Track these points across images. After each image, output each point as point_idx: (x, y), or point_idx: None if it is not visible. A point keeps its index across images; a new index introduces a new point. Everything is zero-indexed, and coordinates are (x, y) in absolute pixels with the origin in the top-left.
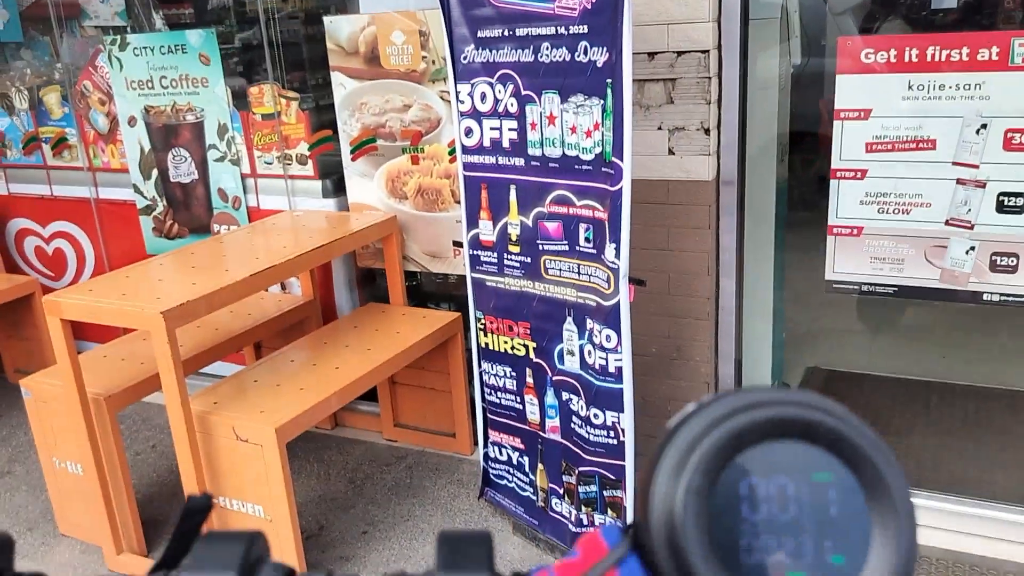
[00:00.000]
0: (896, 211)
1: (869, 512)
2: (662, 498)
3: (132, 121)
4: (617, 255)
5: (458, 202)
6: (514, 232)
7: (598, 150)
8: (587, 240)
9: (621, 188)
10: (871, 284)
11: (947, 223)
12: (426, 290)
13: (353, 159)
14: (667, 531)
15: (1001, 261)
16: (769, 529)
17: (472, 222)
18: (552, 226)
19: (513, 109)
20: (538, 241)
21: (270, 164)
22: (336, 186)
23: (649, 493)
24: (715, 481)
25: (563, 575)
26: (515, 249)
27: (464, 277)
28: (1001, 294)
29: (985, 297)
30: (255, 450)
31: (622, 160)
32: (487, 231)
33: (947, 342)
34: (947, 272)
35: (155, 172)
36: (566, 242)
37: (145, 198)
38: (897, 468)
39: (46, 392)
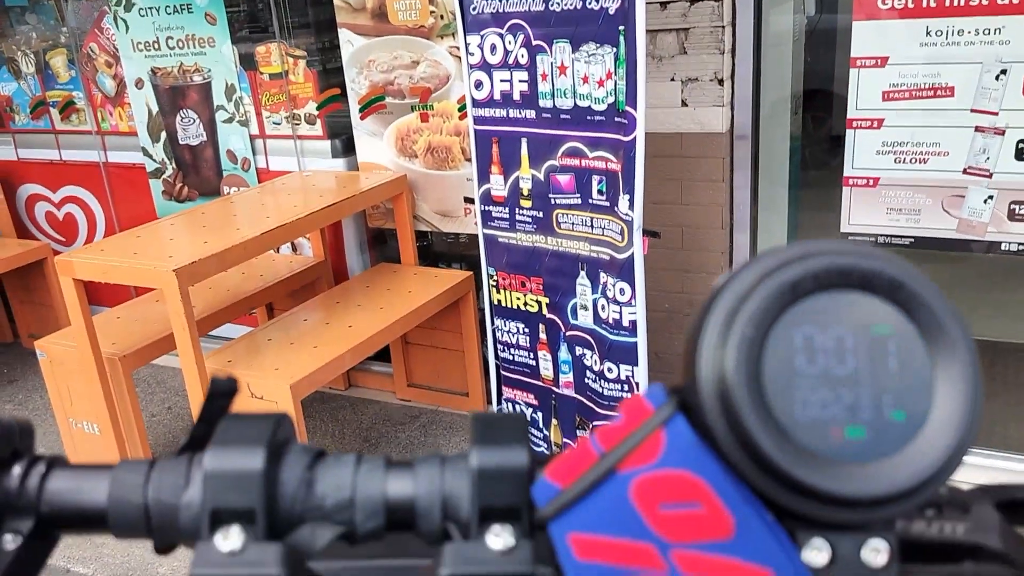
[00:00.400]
0: (913, 160)
1: (931, 366)
2: (711, 351)
3: (139, 83)
4: (631, 206)
5: (468, 160)
6: (526, 186)
7: (611, 100)
8: (600, 193)
9: (635, 138)
10: (887, 236)
11: (965, 172)
12: (437, 250)
13: (362, 118)
14: (717, 386)
15: (1020, 210)
16: (825, 383)
17: (483, 177)
18: (564, 179)
19: (523, 60)
20: (550, 195)
21: (278, 125)
22: (345, 146)
23: (696, 348)
24: (767, 334)
25: (605, 439)
26: (527, 204)
27: (475, 237)
28: (1019, 243)
29: (1003, 247)
30: (270, 408)
31: (635, 108)
32: (498, 186)
33: (962, 298)
34: (964, 222)
35: (163, 135)
36: (579, 195)
37: (154, 161)
38: (960, 319)
39: (61, 353)
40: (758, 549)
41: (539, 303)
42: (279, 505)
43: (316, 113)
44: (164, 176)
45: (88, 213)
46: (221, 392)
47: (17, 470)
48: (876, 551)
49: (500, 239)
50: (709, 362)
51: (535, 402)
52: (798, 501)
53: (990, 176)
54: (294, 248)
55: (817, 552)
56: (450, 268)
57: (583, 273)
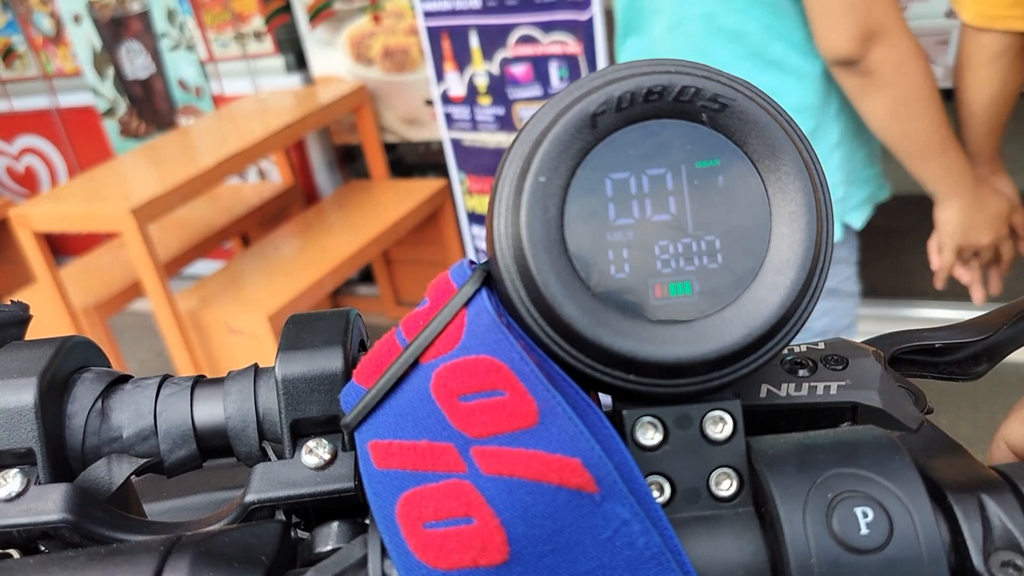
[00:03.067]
0: None
1: (767, 201)
2: (506, 210)
3: (78, 19)
4: None
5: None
6: (482, 82)
7: None
8: (561, 79)
9: (592, 16)
10: None
11: (947, 16)
12: (409, 162)
13: (312, 26)
14: (514, 251)
15: None
16: (643, 234)
17: (439, 76)
18: (520, 70)
19: None
20: (506, 89)
21: (226, 46)
22: (299, 60)
23: (494, 210)
24: (569, 182)
25: (408, 328)
26: (485, 101)
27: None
28: None
29: None
30: (252, 340)
31: None
32: (455, 84)
33: None
34: (950, 69)
35: (111, 71)
36: (538, 85)
37: (106, 100)
38: (801, 141)
39: (34, 309)
40: (564, 436)
41: None
42: (66, 441)
43: (264, 29)
44: (119, 116)
45: (48, 162)
46: (7, 322)
47: None
48: (718, 422)
49: (465, 142)
50: (504, 222)
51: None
52: (617, 375)
53: None
54: (262, 176)
55: (646, 430)
56: (425, 178)
57: None
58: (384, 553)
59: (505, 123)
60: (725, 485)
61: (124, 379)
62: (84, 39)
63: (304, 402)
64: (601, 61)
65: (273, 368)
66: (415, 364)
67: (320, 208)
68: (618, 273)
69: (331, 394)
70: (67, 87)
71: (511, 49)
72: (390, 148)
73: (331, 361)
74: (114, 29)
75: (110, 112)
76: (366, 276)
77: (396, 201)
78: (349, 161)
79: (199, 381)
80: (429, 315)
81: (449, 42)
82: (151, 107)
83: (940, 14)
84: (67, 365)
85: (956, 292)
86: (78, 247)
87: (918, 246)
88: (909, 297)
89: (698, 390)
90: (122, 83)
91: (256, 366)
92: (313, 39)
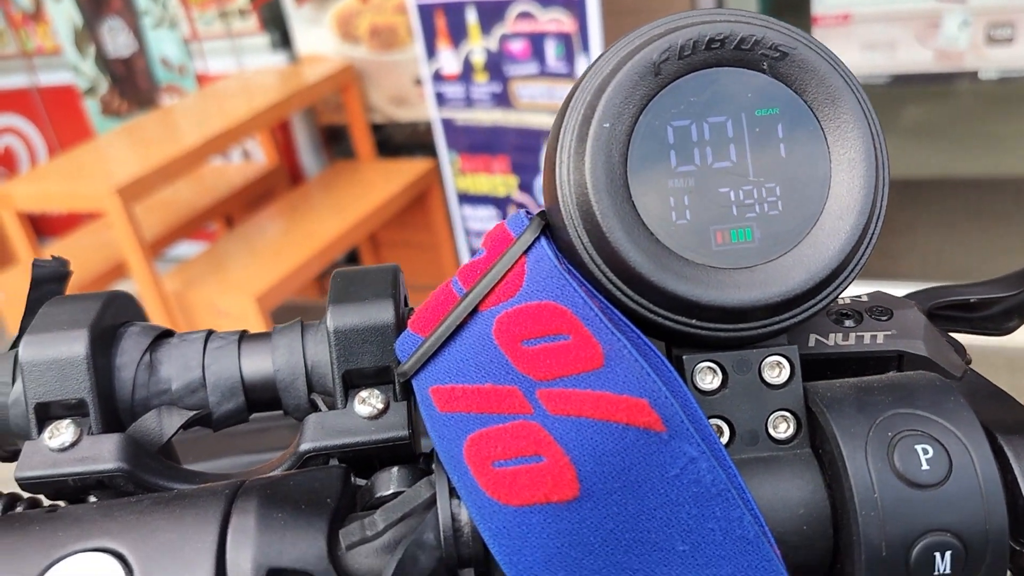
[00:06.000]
0: None
1: (826, 149)
2: (569, 157)
3: None
4: None
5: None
6: (479, 59)
7: None
8: (558, 57)
9: None
10: (863, 76)
11: None
12: (396, 142)
13: (299, 4)
14: (578, 198)
15: (996, 33)
16: (704, 181)
17: (431, 54)
18: (518, 47)
19: None
20: (504, 66)
21: (210, 24)
22: (284, 39)
23: (556, 156)
24: (632, 129)
25: (465, 278)
26: (482, 78)
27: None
28: (998, 69)
29: (982, 76)
30: (239, 323)
31: None
32: (449, 61)
33: (947, 135)
34: (941, 52)
35: (92, 48)
36: (535, 62)
37: (87, 78)
38: (858, 89)
39: (17, 291)
40: (631, 378)
41: (507, 185)
42: (116, 393)
43: (249, 7)
44: (101, 95)
45: (28, 143)
46: (48, 277)
47: None
48: (776, 367)
49: (458, 121)
50: (568, 169)
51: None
52: (679, 319)
53: (964, 1)
54: (246, 156)
55: (706, 375)
56: (412, 158)
57: None
58: (451, 493)
59: (501, 100)
60: (783, 428)
61: (168, 333)
62: (65, 16)
63: (356, 353)
64: (595, 39)
65: (321, 322)
66: (474, 312)
67: (306, 189)
68: (680, 219)
69: (382, 345)
70: (47, 65)
71: (510, 25)
72: (376, 128)
73: (382, 313)
74: (95, 6)
75: (91, 91)
76: (352, 259)
77: (383, 182)
78: (335, 141)
79: (245, 336)
80: (487, 264)
81: (444, 19)
82: (133, 86)
83: None
84: (114, 319)
85: (943, 274)
86: (57, 229)
87: (903, 228)
88: (895, 278)
89: (758, 334)
90: (103, 61)
91: (302, 321)
92: (299, 17)
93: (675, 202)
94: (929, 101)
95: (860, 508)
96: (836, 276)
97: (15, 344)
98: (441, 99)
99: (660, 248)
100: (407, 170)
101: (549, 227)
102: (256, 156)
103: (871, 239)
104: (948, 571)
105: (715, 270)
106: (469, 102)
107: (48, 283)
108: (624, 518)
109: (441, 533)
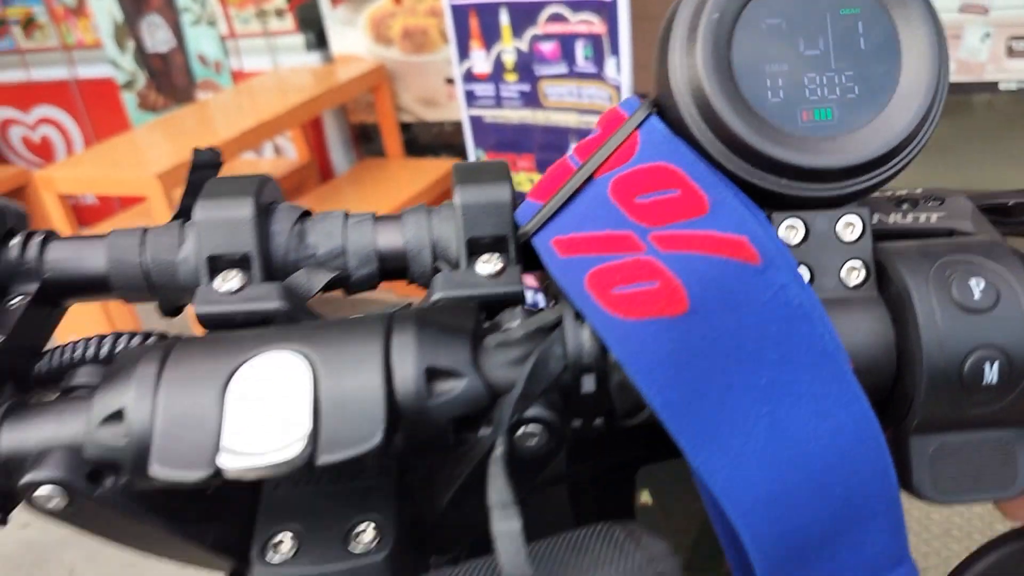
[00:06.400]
0: None
1: (897, 41)
2: (681, 49)
3: None
4: (618, 69)
5: (447, 42)
6: (509, 59)
7: None
8: (586, 59)
9: None
10: None
11: (961, 11)
12: (423, 142)
13: (334, 5)
14: (689, 82)
15: (1018, 46)
16: (794, 67)
17: (463, 54)
18: (548, 48)
19: None
20: (533, 66)
21: (247, 23)
22: (319, 39)
23: (667, 50)
24: (735, 23)
25: (582, 152)
26: (512, 78)
27: (461, 124)
28: (1018, 80)
29: (1002, 86)
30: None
31: None
32: (480, 62)
33: (965, 151)
34: (962, 63)
35: (131, 44)
36: (564, 63)
37: (125, 72)
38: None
39: None
40: (732, 221)
41: (531, 183)
42: (272, 253)
43: (286, 7)
44: (138, 88)
45: (64, 133)
46: (205, 164)
47: (16, 240)
48: (849, 225)
49: (486, 119)
50: (680, 54)
51: (534, 284)
52: (771, 179)
53: (986, 13)
54: (278, 152)
55: (791, 230)
56: (438, 158)
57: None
58: (575, 318)
59: (530, 99)
60: (855, 275)
61: (308, 213)
62: (105, 11)
63: (479, 223)
64: (624, 42)
65: (444, 205)
66: (590, 179)
67: (335, 185)
68: (774, 98)
69: (500, 218)
70: (87, 59)
71: (541, 26)
72: (404, 128)
73: (501, 192)
74: (136, 2)
75: (129, 85)
76: None
77: (410, 180)
78: (365, 140)
79: (377, 215)
80: (603, 139)
81: (477, 20)
82: (170, 81)
83: (954, 8)
84: (267, 196)
85: None
86: (91, 219)
87: None
88: None
89: (836, 196)
90: (142, 56)
91: (424, 204)
92: (334, 18)
93: (770, 83)
94: (952, 111)
95: (923, 329)
96: (906, 145)
97: (176, 217)
98: (471, 98)
99: (758, 120)
100: (434, 168)
101: (658, 108)
102: (287, 152)
103: (934, 119)
104: (995, 381)
105: (802, 139)
106: (498, 101)
107: (204, 168)
108: (724, 330)
109: (567, 344)
